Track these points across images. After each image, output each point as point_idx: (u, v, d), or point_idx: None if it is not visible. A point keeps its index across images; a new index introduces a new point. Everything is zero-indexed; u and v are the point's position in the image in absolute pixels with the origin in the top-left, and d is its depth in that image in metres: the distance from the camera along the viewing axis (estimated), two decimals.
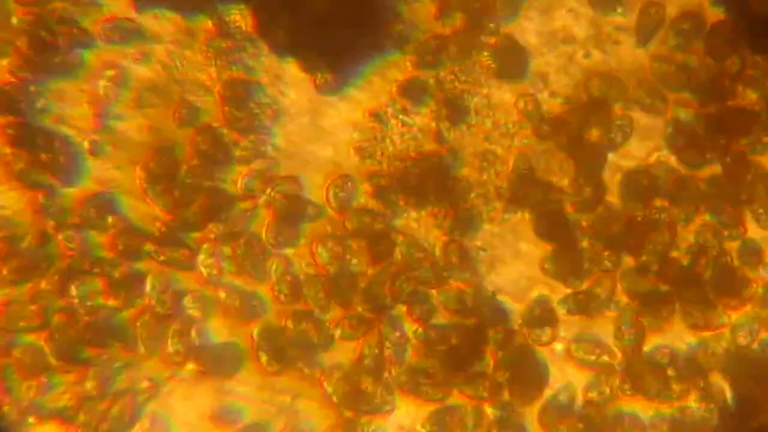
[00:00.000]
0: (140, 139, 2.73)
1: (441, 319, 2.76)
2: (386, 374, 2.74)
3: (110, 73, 2.72)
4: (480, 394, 2.74)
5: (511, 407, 2.75)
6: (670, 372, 2.77)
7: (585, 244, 2.77)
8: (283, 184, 2.74)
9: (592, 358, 2.76)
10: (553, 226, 2.77)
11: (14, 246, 2.68)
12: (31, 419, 2.69)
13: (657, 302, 2.77)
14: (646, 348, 2.77)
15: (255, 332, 2.73)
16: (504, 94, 2.80)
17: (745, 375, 2.77)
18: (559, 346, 2.79)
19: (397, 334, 2.75)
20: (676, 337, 2.78)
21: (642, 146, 2.80)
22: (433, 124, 2.79)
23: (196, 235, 2.74)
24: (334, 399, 2.73)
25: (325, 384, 2.72)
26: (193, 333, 2.72)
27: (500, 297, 2.78)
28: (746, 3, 2.78)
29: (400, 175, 2.78)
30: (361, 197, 2.78)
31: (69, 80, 2.72)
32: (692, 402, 2.77)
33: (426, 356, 2.75)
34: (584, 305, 2.77)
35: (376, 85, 2.78)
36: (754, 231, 2.80)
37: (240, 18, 2.75)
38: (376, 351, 2.74)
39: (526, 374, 2.76)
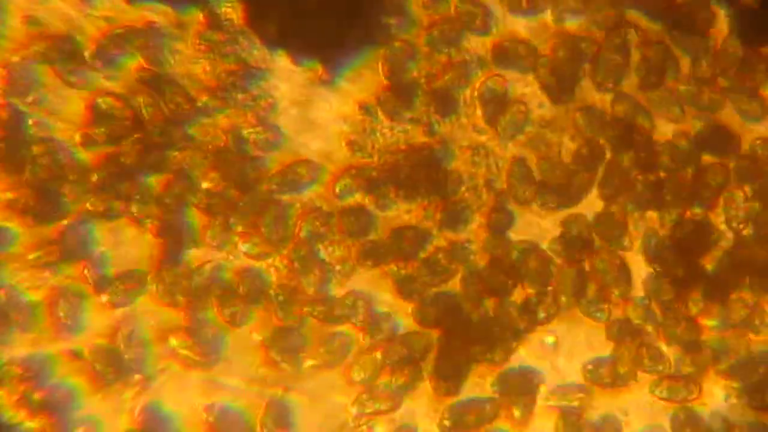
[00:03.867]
0: (132, 133, 2.75)
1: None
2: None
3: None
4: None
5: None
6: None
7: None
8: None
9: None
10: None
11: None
12: (23, 413, 2.69)
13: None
14: None
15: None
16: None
17: None
18: (550, 339, 2.80)
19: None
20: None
21: None
22: (423, 117, 2.80)
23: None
24: None
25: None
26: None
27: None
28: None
29: (390, 167, 2.79)
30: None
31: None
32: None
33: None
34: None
35: (367, 77, 2.79)
36: None
37: (231, 10, 2.76)
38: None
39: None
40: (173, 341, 2.71)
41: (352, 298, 2.75)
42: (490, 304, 2.77)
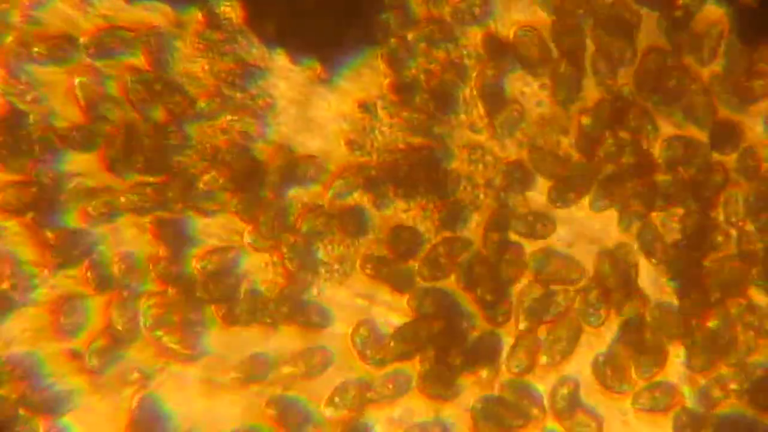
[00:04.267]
0: (131, 133, 2.75)
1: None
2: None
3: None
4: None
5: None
6: None
7: None
8: None
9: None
10: None
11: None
12: (21, 412, 2.70)
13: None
14: None
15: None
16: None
17: None
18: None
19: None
20: None
21: None
22: (422, 116, 2.80)
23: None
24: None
25: None
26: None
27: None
28: None
29: (389, 166, 2.79)
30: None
31: (59, 72, 2.74)
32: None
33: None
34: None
35: (366, 76, 2.79)
36: None
37: (230, 9, 2.77)
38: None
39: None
40: (159, 333, 2.71)
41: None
42: (489, 302, 2.78)
